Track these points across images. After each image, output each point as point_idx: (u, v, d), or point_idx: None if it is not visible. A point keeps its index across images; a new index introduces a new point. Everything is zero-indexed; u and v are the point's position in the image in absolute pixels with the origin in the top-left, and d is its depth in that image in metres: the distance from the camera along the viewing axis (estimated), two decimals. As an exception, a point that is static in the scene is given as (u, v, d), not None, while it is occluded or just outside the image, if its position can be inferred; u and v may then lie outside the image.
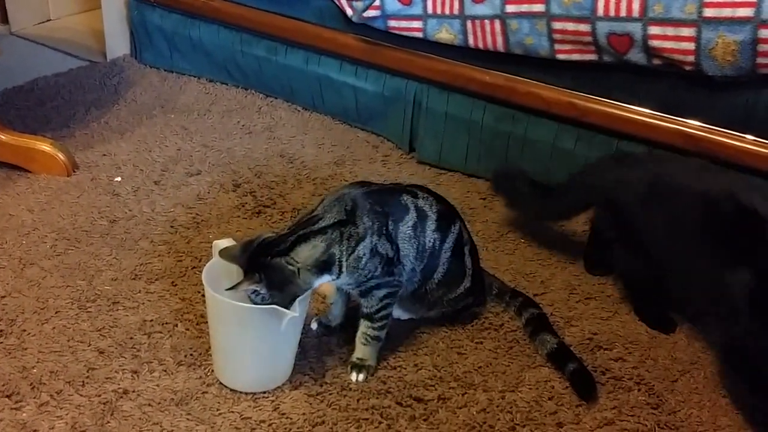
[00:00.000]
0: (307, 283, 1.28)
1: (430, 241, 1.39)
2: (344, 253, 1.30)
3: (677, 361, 1.43)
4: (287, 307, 1.24)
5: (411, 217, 1.37)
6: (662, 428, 1.29)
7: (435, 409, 1.31)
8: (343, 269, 1.30)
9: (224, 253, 1.30)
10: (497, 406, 1.32)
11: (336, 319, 1.47)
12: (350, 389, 1.35)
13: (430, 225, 1.39)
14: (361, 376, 1.37)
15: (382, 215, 1.34)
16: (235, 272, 1.28)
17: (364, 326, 1.38)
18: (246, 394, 1.32)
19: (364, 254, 1.30)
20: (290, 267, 1.26)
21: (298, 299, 1.27)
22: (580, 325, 1.51)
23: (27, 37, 2.80)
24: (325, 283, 1.32)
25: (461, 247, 1.45)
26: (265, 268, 1.25)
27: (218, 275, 1.32)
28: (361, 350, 1.39)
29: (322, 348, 1.43)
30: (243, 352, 1.33)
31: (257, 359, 1.34)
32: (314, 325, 1.47)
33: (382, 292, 1.35)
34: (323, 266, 1.29)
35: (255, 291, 1.25)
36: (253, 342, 1.31)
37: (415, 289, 1.41)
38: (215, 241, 1.37)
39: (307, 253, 1.27)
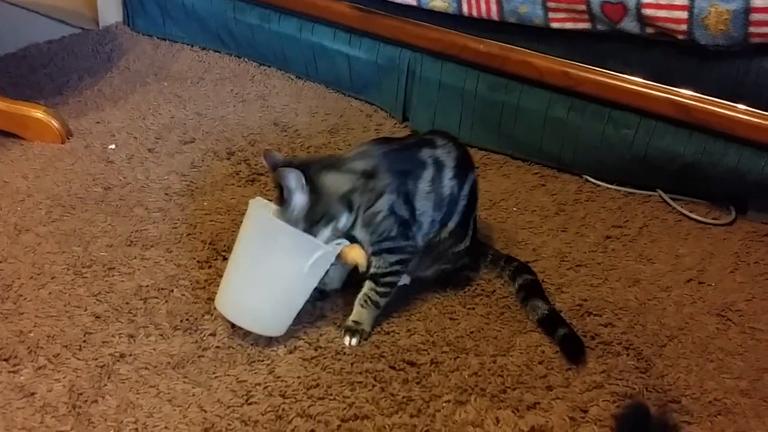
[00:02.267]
0: (331, 212, 1.35)
1: (447, 190, 1.43)
2: (363, 204, 1.36)
3: (665, 326, 1.46)
4: (313, 226, 1.34)
5: (429, 173, 1.41)
6: (650, 392, 1.31)
7: (427, 373, 1.33)
8: (358, 219, 1.36)
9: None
10: (488, 370, 1.34)
11: (332, 282, 1.48)
12: (344, 353, 1.37)
13: (448, 173, 1.43)
14: (354, 341, 1.39)
15: (401, 174, 1.39)
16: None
17: (367, 287, 1.40)
18: (241, 356, 1.34)
19: (382, 210, 1.36)
20: (325, 185, 1.35)
21: (325, 252, 1.33)
22: (570, 292, 1.54)
23: (18, 3, 2.77)
24: (355, 248, 1.39)
25: (475, 196, 1.50)
26: (281, 176, 1.33)
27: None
28: (358, 313, 1.40)
29: (316, 313, 1.45)
30: (262, 276, 1.36)
31: (269, 290, 1.36)
32: None
33: (394, 258, 1.39)
34: (343, 204, 1.36)
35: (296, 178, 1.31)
36: (274, 267, 1.35)
37: (430, 238, 1.44)
38: (253, 199, 1.43)
39: (336, 181, 1.36)
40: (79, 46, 2.45)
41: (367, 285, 1.40)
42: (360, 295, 1.41)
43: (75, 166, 1.85)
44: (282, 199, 1.35)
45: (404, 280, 1.51)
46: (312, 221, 1.35)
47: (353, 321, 1.40)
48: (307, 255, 1.31)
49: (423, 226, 1.42)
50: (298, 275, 1.34)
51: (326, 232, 1.36)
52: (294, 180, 1.32)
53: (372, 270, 1.40)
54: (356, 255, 1.41)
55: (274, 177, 1.36)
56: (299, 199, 1.34)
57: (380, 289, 1.40)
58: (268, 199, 1.41)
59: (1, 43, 2.39)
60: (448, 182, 1.43)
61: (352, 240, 1.40)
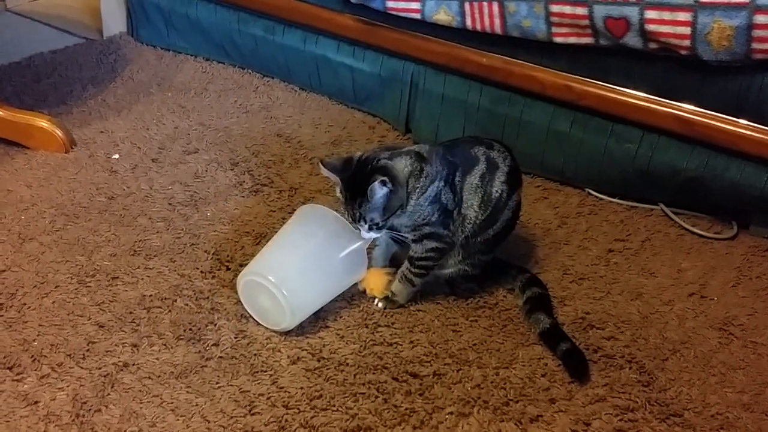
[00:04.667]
0: (402, 200, 1.39)
1: (497, 192, 1.45)
2: (417, 191, 1.39)
3: (668, 340, 1.46)
4: (388, 217, 1.39)
5: (480, 168, 1.44)
6: (652, 405, 1.31)
7: (430, 385, 1.34)
8: (410, 201, 1.39)
9: (327, 162, 1.41)
10: (491, 382, 1.35)
11: (376, 260, 1.52)
12: (347, 364, 1.37)
13: (500, 176, 1.45)
14: (381, 305, 1.49)
15: (451, 164, 1.42)
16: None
17: (404, 266, 1.48)
18: (245, 366, 1.34)
19: (430, 196, 1.39)
20: (396, 169, 1.39)
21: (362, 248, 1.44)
22: (573, 305, 1.54)
23: (23, 13, 2.79)
24: (376, 277, 1.50)
25: (516, 214, 1.52)
26: (383, 169, 1.37)
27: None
28: (395, 286, 1.49)
29: (319, 324, 1.45)
30: (299, 250, 1.46)
31: (300, 263, 1.44)
32: None
33: (431, 244, 1.43)
34: (405, 189, 1.40)
35: (384, 181, 1.33)
36: (313, 247, 1.46)
37: (469, 235, 1.46)
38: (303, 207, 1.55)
39: (401, 165, 1.39)
40: (84, 56, 2.46)
41: (404, 264, 1.47)
42: (398, 271, 1.49)
43: (79, 176, 1.86)
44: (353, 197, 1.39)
45: None
46: (389, 211, 1.38)
47: (391, 291, 1.49)
48: (342, 246, 1.42)
49: (466, 220, 1.44)
50: (329, 263, 1.44)
51: (393, 218, 1.41)
52: (380, 189, 1.35)
53: (410, 253, 1.46)
54: (372, 286, 1.50)
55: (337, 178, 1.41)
56: (383, 195, 1.37)
57: (414, 270, 1.47)
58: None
59: (5, 53, 2.40)
60: (499, 184, 1.45)
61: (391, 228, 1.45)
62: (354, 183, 1.38)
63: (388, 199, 1.36)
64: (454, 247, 1.46)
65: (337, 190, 1.42)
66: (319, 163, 1.41)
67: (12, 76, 2.30)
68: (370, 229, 1.39)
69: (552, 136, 1.88)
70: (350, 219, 1.40)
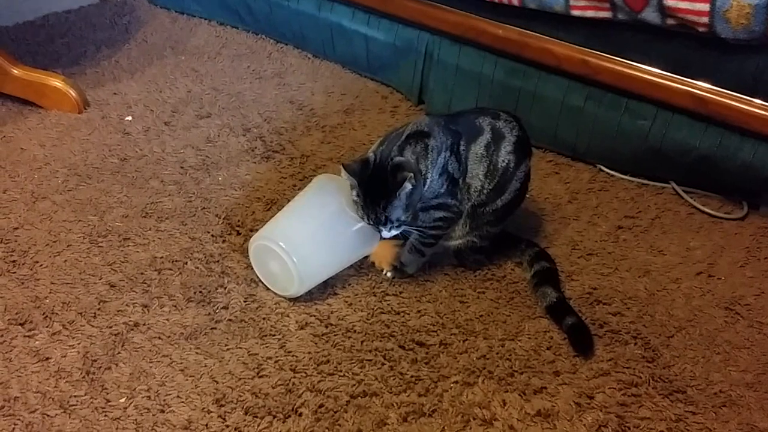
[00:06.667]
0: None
1: (504, 162, 1.44)
2: (429, 167, 1.38)
3: (674, 317, 1.46)
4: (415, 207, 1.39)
5: (485, 138, 1.43)
6: (656, 381, 1.32)
7: (436, 354, 1.35)
8: (427, 180, 1.38)
9: (347, 165, 1.38)
10: (497, 353, 1.36)
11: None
12: (354, 331, 1.38)
13: (506, 146, 1.44)
14: (389, 274, 1.51)
15: (455, 134, 1.42)
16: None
17: (413, 237, 1.47)
18: (253, 330, 1.36)
19: (440, 166, 1.39)
20: (413, 163, 1.38)
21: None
22: (580, 280, 1.54)
23: (37, -28, 2.78)
24: (384, 250, 1.51)
25: (525, 186, 1.51)
26: (403, 165, 1.35)
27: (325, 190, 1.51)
28: (404, 256, 1.50)
29: (327, 291, 1.47)
30: (309, 217, 1.46)
31: (312, 232, 1.44)
32: None
33: (439, 214, 1.43)
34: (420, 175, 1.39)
35: (411, 178, 1.33)
36: (327, 217, 1.46)
37: (476, 205, 1.46)
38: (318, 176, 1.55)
39: (409, 155, 1.38)
40: (97, 16, 2.45)
41: (413, 235, 1.46)
42: (407, 242, 1.49)
43: (92, 137, 1.87)
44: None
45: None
46: (412, 206, 1.38)
47: (399, 262, 1.50)
48: (352, 223, 1.42)
49: (471, 189, 1.44)
50: (338, 233, 1.44)
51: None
52: (408, 186, 1.34)
53: (418, 223, 1.45)
54: (381, 258, 1.51)
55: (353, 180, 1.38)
56: (409, 191, 1.36)
57: (423, 240, 1.46)
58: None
59: (20, 11, 2.39)
60: (505, 154, 1.44)
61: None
62: (373, 186, 1.36)
63: (411, 195, 1.35)
64: (461, 216, 1.46)
65: (354, 193, 1.39)
66: (341, 167, 1.39)
67: (26, 36, 2.30)
68: (391, 228, 1.39)
69: (565, 111, 1.87)
70: (371, 222, 1.39)
